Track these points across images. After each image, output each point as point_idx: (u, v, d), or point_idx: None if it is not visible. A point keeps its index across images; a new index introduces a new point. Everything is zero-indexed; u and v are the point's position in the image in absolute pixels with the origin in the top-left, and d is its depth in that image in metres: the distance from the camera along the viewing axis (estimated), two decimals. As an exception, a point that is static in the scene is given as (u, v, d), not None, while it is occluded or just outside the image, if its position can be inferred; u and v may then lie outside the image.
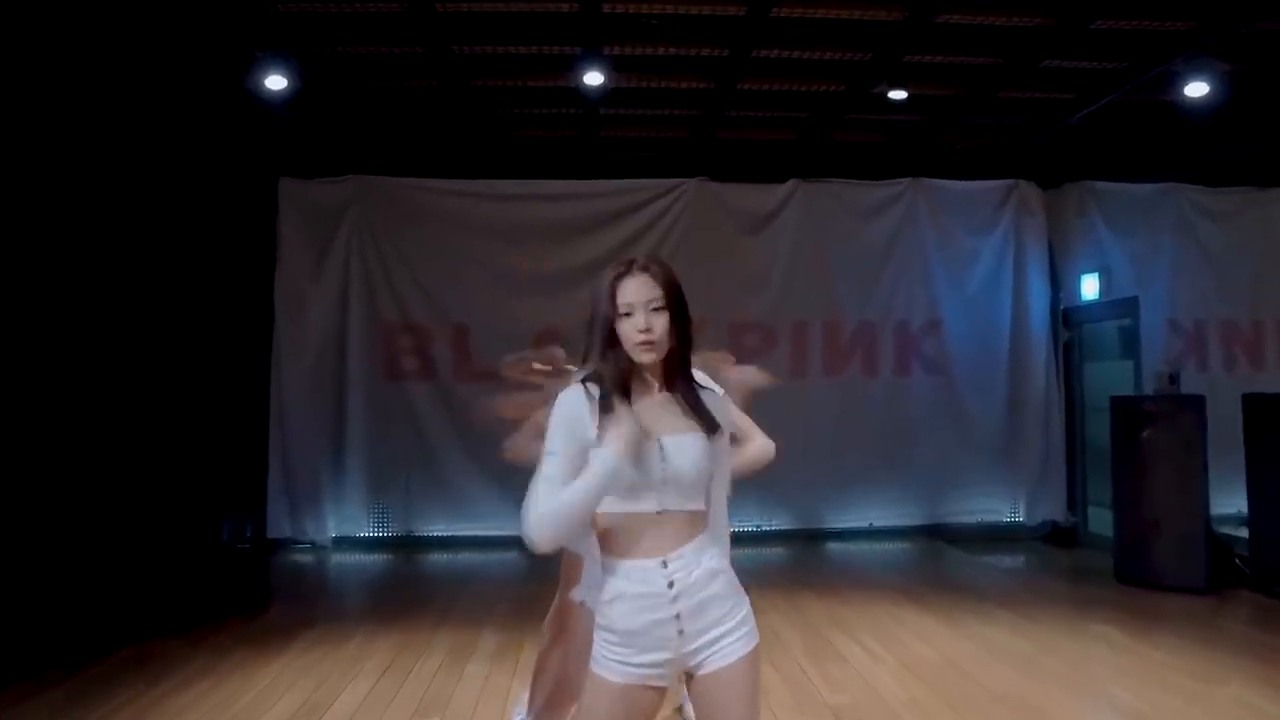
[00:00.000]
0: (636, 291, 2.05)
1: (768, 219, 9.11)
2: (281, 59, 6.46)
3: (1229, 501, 7.17)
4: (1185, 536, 6.64)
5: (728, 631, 2.05)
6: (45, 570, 6.00)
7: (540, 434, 2.08)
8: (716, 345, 3.76)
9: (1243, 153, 8.28)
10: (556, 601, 3.48)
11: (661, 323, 2.05)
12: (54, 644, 5.30)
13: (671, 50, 6.80)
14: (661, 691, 2.08)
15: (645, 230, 8.91)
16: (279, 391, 8.67)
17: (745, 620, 2.09)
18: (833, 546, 8.81)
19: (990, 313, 9.23)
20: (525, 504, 1.98)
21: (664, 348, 2.07)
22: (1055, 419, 9.15)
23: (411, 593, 7.10)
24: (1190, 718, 4.22)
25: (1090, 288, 9.07)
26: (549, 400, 2.12)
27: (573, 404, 2.06)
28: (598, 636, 2.09)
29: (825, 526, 9.00)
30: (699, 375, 2.19)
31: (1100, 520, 8.42)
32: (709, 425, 2.10)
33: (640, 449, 1.99)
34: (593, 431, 2.01)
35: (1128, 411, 7.20)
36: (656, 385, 2.12)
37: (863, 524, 9.05)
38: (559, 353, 3.27)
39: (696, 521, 2.08)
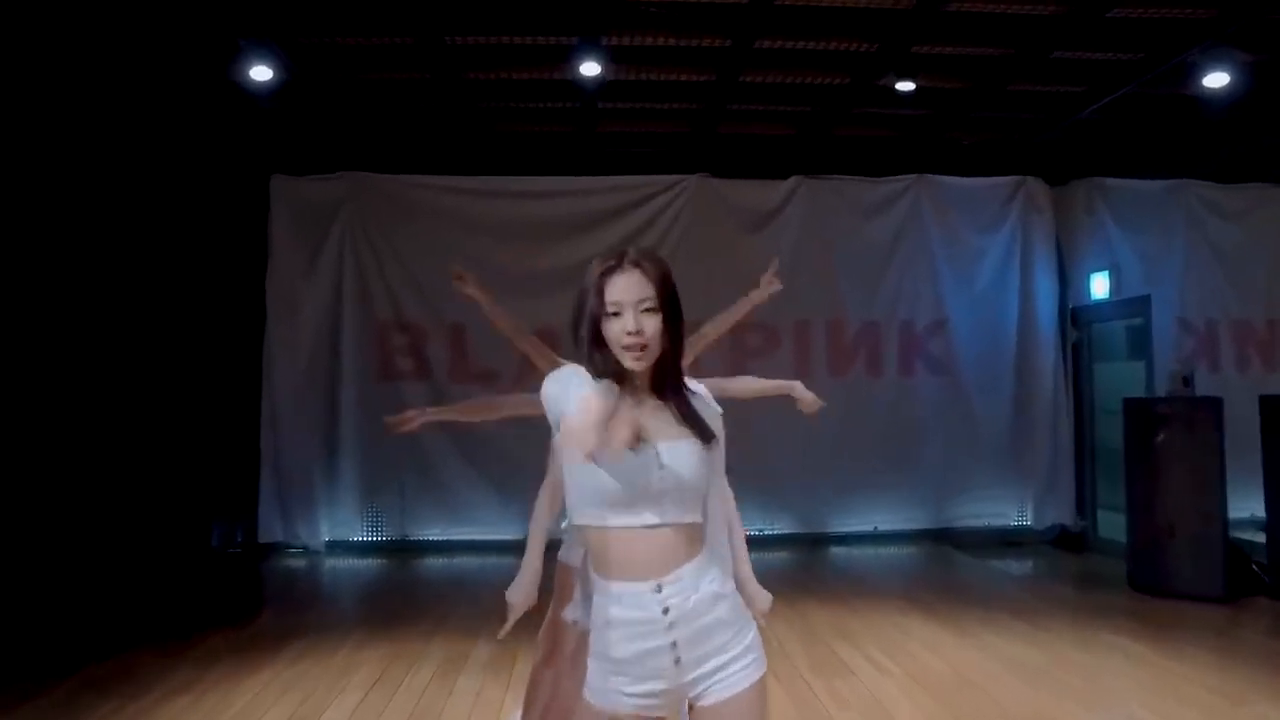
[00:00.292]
0: (626, 289, 1.85)
1: (770, 216, 8.93)
2: (267, 49, 6.31)
3: (1241, 505, 6.97)
4: (1201, 543, 6.45)
5: (731, 660, 1.89)
6: (25, 577, 5.85)
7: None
8: (718, 346, 3.68)
9: (1262, 145, 8.08)
10: (549, 615, 3.33)
11: (653, 325, 1.86)
12: (33, 655, 5.14)
13: (671, 40, 6.64)
14: None
15: (645, 227, 8.73)
16: (271, 392, 8.49)
17: (751, 647, 1.92)
18: (836, 551, 8.63)
19: (997, 312, 9.05)
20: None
21: (654, 353, 1.87)
22: (1064, 421, 8.97)
23: (405, 599, 6.94)
24: (1214, 736, 4.05)
25: (1100, 286, 8.88)
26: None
27: (571, 370, 1.94)
28: (591, 663, 1.94)
29: (829, 531, 8.83)
30: (690, 382, 2.00)
31: (1110, 524, 8.26)
32: (704, 433, 1.91)
33: (638, 428, 1.83)
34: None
35: (1141, 413, 7.02)
36: (646, 391, 1.93)
37: (867, 528, 8.88)
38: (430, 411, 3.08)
39: (695, 537, 1.90)
